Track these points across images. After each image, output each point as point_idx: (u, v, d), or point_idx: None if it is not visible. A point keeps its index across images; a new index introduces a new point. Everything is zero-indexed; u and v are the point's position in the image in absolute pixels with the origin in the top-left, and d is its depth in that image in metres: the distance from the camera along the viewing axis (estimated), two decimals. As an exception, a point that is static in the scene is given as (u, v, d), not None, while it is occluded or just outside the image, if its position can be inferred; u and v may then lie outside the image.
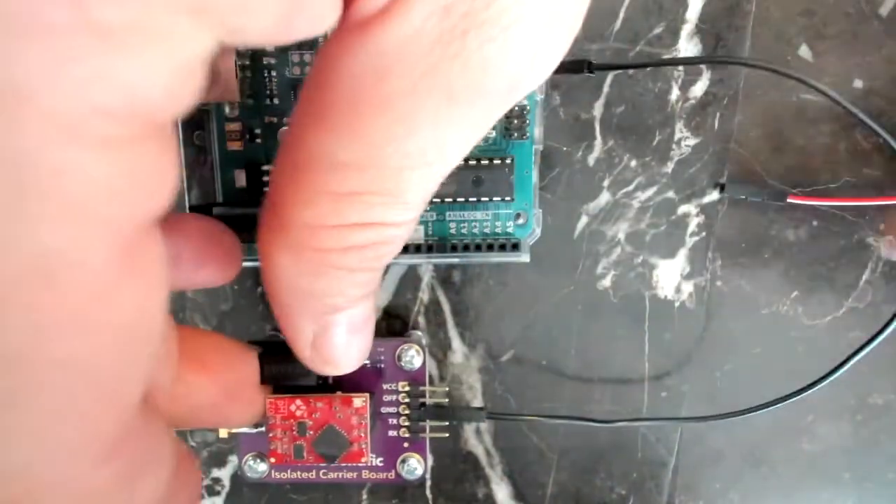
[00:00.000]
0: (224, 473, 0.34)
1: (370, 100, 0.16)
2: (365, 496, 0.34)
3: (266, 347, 0.28)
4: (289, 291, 0.20)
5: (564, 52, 0.17)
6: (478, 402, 0.33)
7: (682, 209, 0.31)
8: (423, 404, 0.30)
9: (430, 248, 0.29)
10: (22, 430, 0.14)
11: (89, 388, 0.14)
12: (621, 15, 0.29)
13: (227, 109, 0.28)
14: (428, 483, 0.34)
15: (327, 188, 0.17)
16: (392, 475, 0.30)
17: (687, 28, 0.29)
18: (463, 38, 0.15)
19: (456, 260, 0.29)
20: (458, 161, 0.17)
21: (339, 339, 0.22)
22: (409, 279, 0.32)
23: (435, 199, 0.27)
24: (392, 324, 0.33)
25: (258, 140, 0.28)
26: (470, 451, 0.34)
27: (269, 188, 0.19)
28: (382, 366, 0.30)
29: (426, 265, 0.31)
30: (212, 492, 0.34)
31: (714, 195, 0.30)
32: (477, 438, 0.33)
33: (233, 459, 0.34)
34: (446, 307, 0.32)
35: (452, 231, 0.29)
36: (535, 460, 0.33)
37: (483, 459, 0.34)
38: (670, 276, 0.31)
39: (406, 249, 0.29)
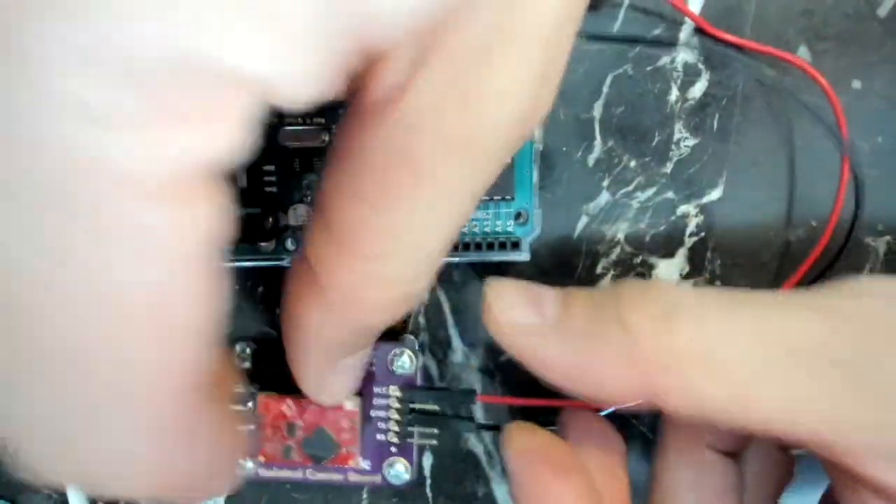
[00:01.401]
0: (224, 473, 0.34)
1: (400, 171, 0.17)
2: (365, 496, 0.34)
3: (260, 346, 0.29)
4: (313, 341, 0.22)
5: (563, 69, 0.18)
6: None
7: (682, 209, 0.31)
8: (413, 410, 0.30)
9: None
10: None
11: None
12: (621, 15, 0.29)
13: (227, 109, 0.28)
14: (428, 482, 0.34)
15: (370, 255, 0.19)
16: (378, 479, 0.30)
17: (686, 28, 0.29)
18: (467, 92, 0.16)
19: (456, 259, 0.29)
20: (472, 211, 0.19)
21: (345, 377, 0.25)
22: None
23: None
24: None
25: (259, 140, 0.28)
26: (470, 451, 0.34)
27: (305, 248, 0.20)
28: (374, 369, 0.30)
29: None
30: (212, 491, 0.34)
31: (714, 195, 0.30)
32: (477, 438, 0.33)
33: (233, 459, 0.34)
34: (446, 307, 0.32)
35: (452, 231, 0.29)
36: (534, 460, 0.33)
37: (483, 459, 0.34)
38: (670, 276, 0.31)
39: None
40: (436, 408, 0.30)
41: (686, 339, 0.19)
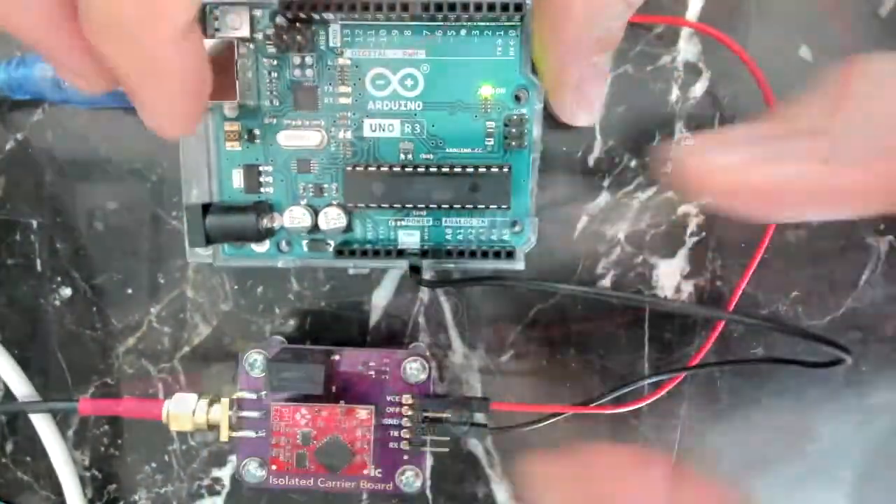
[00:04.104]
0: (224, 473, 0.34)
1: None
2: (365, 496, 0.34)
3: (279, 353, 0.29)
4: (581, 21, 0.24)
5: None
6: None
7: (682, 209, 0.31)
8: (427, 418, 0.30)
9: (425, 254, 0.29)
10: None
11: None
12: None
13: (226, 109, 0.28)
14: (428, 483, 0.34)
15: None
16: (390, 487, 0.30)
17: (687, 28, 0.29)
18: None
19: (451, 265, 0.29)
20: None
21: (599, 80, 0.27)
22: (410, 279, 0.32)
23: (431, 205, 0.27)
24: (392, 323, 0.33)
25: (257, 141, 0.28)
26: (470, 451, 0.34)
27: None
28: (386, 377, 0.30)
29: (426, 265, 0.31)
30: (212, 491, 0.34)
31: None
32: (477, 438, 0.33)
33: (233, 460, 0.34)
34: (446, 307, 0.32)
35: (448, 237, 0.29)
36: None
37: (483, 459, 0.34)
38: (670, 276, 0.31)
39: (401, 253, 0.29)
40: (448, 415, 0.30)
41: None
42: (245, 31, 0.27)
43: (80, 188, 0.32)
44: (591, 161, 0.30)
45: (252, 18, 0.27)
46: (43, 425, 0.33)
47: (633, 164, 0.30)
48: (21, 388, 0.32)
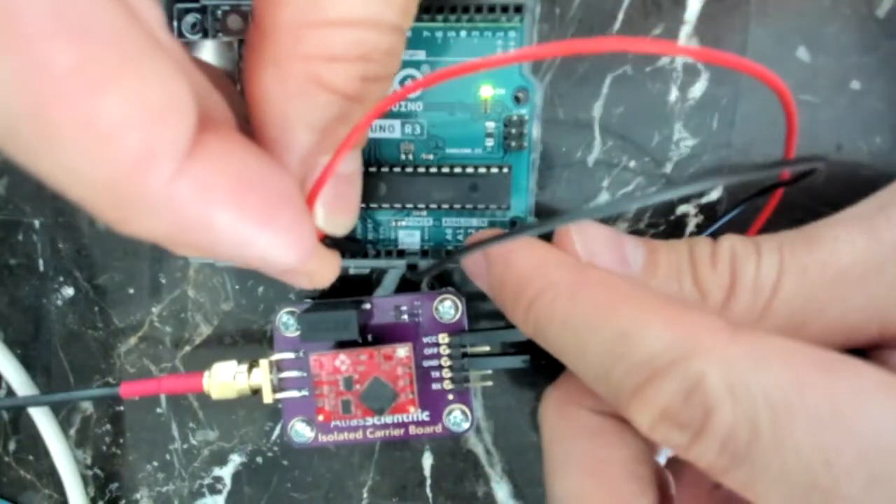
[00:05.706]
0: (226, 472, 0.34)
1: None
2: (365, 495, 0.34)
3: (309, 308, 0.29)
4: (276, 120, 0.19)
5: None
6: (478, 402, 0.33)
7: (682, 209, 0.31)
8: (465, 354, 0.30)
9: (425, 254, 0.29)
10: None
11: None
12: (620, 16, 0.29)
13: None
14: (428, 482, 0.34)
15: None
16: (439, 429, 0.30)
17: (686, 29, 0.29)
18: None
19: (451, 266, 0.29)
20: None
21: (326, 191, 0.21)
22: (409, 280, 0.32)
23: (431, 205, 0.28)
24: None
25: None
26: (470, 450, 0.34)
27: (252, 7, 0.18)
28: (420, 319, 0.30)
29: (425, 265, 0.31)
30: (213, 490, 0.35)
31: (713, 195, 0.30)
32: (477, 437, 0.34)
33: (234, 458, 0.34)
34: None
35: (448, 237, 0.29)
36: (534, 459, 0.33)
37: (483, 458, 0.34)
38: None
39: (402, 254, 0.29)
40: (487, 348, 0.30)
41: (748, 297, 0.22)
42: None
43: (82, 188, 0.32)
44: (590, 161, 0.31)
45: (253, 19, 0.27)
46: (45, 424, 0.33)
47: (632, 164, 0.30)
48: (24, 387, 0.33)
